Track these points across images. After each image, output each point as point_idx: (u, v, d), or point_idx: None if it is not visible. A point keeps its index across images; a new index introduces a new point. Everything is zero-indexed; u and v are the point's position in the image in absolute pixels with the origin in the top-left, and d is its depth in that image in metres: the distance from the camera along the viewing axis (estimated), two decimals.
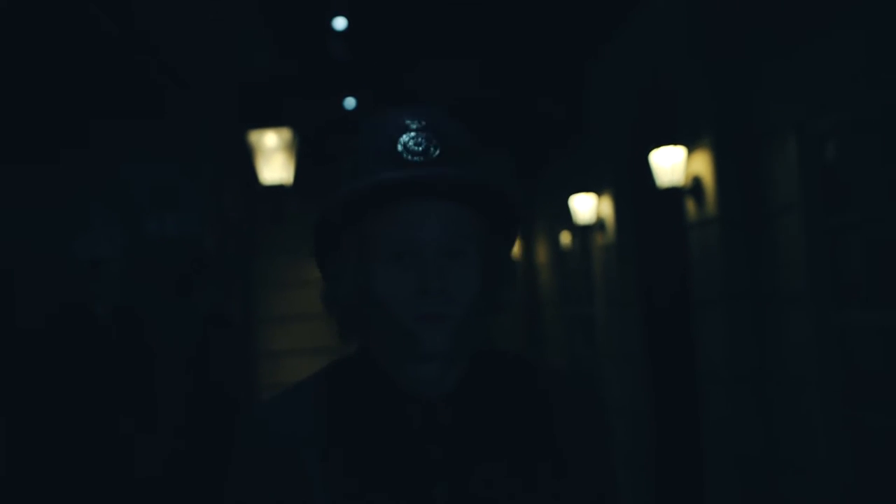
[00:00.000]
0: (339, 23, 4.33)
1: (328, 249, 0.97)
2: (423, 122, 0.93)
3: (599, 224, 5.32)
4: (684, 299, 3.92)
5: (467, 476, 0.91)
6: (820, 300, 2.96)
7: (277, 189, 5.51)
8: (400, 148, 0.91)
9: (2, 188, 4.22)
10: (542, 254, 7.33)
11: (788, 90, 3.08)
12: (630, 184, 4.59)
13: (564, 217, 5.81)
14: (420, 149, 0.91)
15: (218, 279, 5.61)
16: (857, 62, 2.65)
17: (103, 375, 3.92)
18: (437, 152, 0.92)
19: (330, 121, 6.49)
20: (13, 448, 3.60)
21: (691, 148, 3.71)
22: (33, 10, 3.93)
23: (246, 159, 5.50)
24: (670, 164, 3.70)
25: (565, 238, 6.59)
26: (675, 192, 3.76)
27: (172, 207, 5.92)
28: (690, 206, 3.76)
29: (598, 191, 5.31)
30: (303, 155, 5.58)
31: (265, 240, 6.99)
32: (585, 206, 5.41)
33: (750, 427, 3.40)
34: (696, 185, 3.66)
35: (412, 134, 0.93)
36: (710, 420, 3.69)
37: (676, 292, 4.07)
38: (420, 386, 0.94)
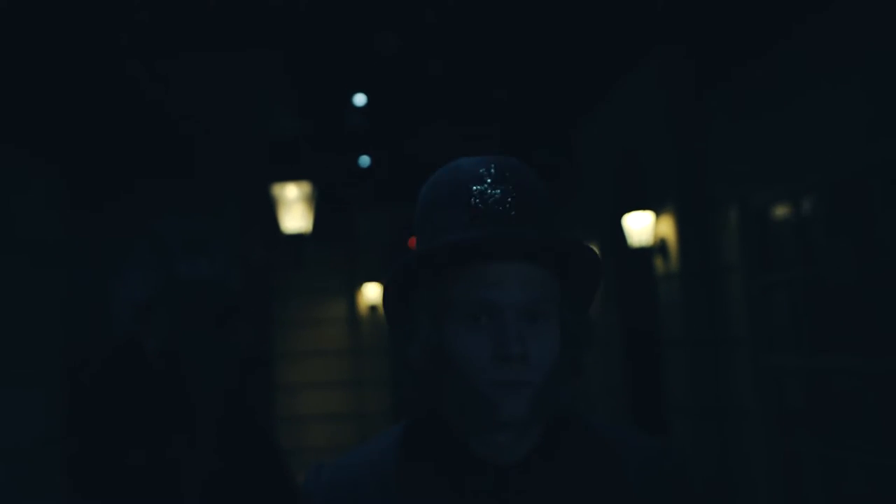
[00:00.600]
0: (360, 99, 4.97)
1: (400, 309, 0.93)
2: (500, 174, 0.89)
3: None
4: (654, 342, 4.49)
5: None
6: (757, 345, 3.52)
7: (297, 237, 6.15)
8: (476, 203, 0.87)
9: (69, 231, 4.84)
10: None
11: (734, 170, 3.68)
12: (611, 240, 5.19)
13: None
14: (499, 207, 0.87)
15: (247, 320, 6.20)
16: (786, 150, 3.25)
17: (155, 406, 4.51)
18: (516, 208, 0.88)
19: (345, 175, 7.14)
20: (80, 470, 4.18)
21: (658, 213, 4.31)
22: (88, 84, 4.59)
23: (269, 209, 6.15)
24: (640, 226, 4.30)
25: None
26: (644, 251, 4.36)
27: (203, 254, 6.56)
28: (658, 262, 4.35)
29: (588, 243, 5.91)
30: (320, 205, 6.22)
31: (283, 282, 7.59)
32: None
33: (708, 452, 3.94)
34: (662, 245, 4.25)
35: (488, 187, 0.88)
36: (674, 442, 4.24)
37: (648, 335, 4.65)
38: (493, 452, 0.90)
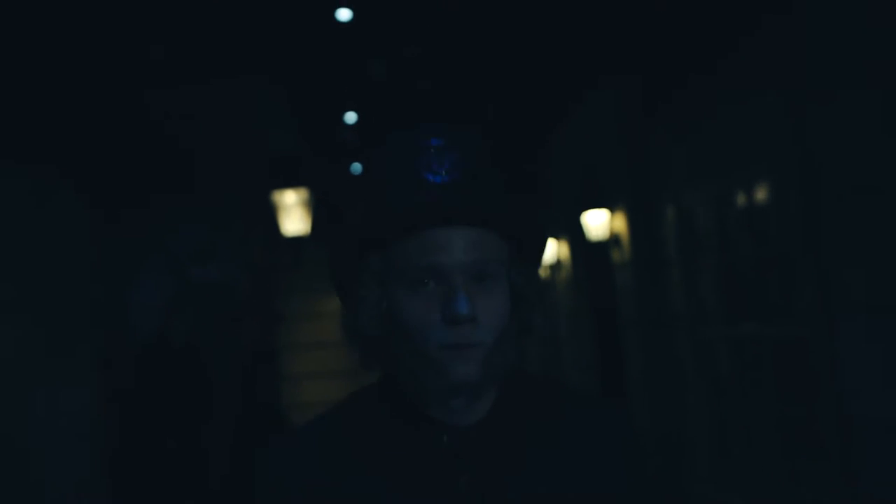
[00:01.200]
0: (350, 117, 5.61)
1: (348, 278, 0.92)
2: (446, 142, 0.88)
3: (558, 263, 6.61)
4: (614, 322, 5.19)
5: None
6: (693, 320, 4.22)
7: (296, 239, 6.80)
8: (422, 169, 0.86)
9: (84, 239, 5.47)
10: None
11: (670, 176, 4.37)
12: (577, 235, 5.88)
13: None
14: (444, 170, 0.86)
15: (256, 317, 6.86)
16: (708, 160, 3.94)
17: (183, 399, 5.18)
18: (462, 174, 0.87)
19: (339, 180, 7.78)
20: (126, 454, 4.85)
21: (613, 211, 5.00)
22: (110, 113, 5.22)
23: (270, 215, 6.79)
24: (598, 223, 4.99)
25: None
26: (602, 244, 5.05)
27: (213, 260, 7.20)
28: (615, 253, 5.04)
29: (558, 237, 6.60)
30: (317, 209, 6.87)
31: (285, 280, 8.24)
32: (549, 249, 6.69)
33: (660, 416, 4.64)
34: (616, 239, 4.94)
35: (434, 154, 0.87)
36: (635, 411, 4.94)
37: (610, 316, 5.35)
38: (449, 415, 0.91)
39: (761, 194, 3.52)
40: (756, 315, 3.64)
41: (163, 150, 6.09)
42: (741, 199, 3.71)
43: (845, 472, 2.80)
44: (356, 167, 7.40)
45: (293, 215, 6.97)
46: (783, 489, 3.44)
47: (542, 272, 7.56)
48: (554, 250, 6.65)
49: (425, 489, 0.88)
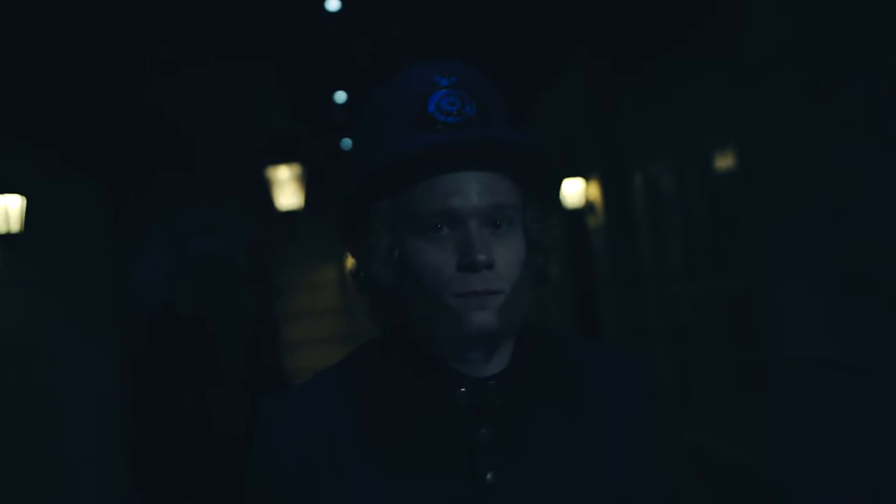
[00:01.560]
0: (340, 97, 5.96)
1: (356, 226, 0.88)
2: (455, 79, 0.85)
3: None
4: (591, 282, 5.61)
5: (518, 460, 0.85)
6: (659, 279, 4.64)
7: (291, 213, 7.15)
8: (431, 108, 0.83)
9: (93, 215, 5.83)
10: None
11: (638, 146, 4.76)
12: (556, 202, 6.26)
13: None
14: (454, 109, 0.83)
15: (255, 288, 7.25)
16: (671, 131, 4.33)
17: (191, 362, 5.59)
18: (474, 112, 0.84)
19: (330, 155, 8.14)
20: (138, 405, 5.26)
21: (587, 180, 5.40)
22: (118, 103, 5.56)
23: (265, 190, 7.14)
24: (574, 191, 5.39)
25: None
26: (578, 210, 5.45)
27: (211, 233, 7.57)
28: (591, 219, 5.44)
29: None
30: (310, 184, 7.22)
31: (281, 253, 8.62)
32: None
33: None
34: (591, 206, 5.34)
35: (444, 92, 0.84)
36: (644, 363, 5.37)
37: (588, 278, 5.77)
38: (465, 367, 0.87)
39: (715, 162, 3.93)
40: (713, 272, 4.06)
41: (164, 133, 6.43)
42: (699, 167, 4.12)
43: (783, 406, 3.22)
44: (346, 142, 7.75)
45: (287, 190, 7.29)
46: (737, 425, 3.89)
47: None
48: None
49: (441, 445, 0.85)
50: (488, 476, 0.84)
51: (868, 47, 2.40)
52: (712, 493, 4.05)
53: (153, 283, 6.59)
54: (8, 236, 3.38)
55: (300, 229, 7.69)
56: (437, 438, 0.85)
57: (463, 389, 0.87)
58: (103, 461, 4.79)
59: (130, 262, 6.31)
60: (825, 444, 2.83)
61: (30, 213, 3.72)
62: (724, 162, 3.83)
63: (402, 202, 0.86)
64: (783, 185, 3.02)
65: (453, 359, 0.88)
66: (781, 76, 2.95)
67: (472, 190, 0.83)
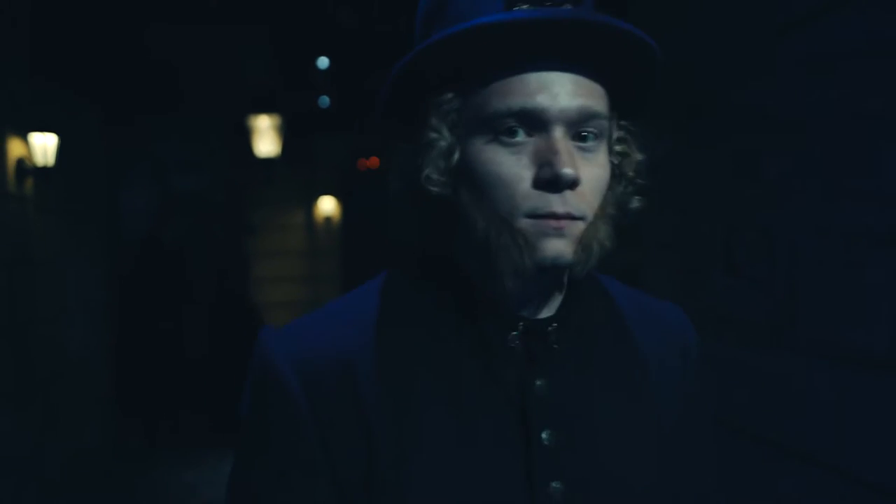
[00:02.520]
0: (323, 62, 6.65)
1: (407, 117, 0.71)
2: None
3: None
4: None
5: (576, 417, 0.72)
6: None
7: (268, 159, 7.89)
8: None
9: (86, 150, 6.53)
10: None
11: None
12: None
13: None
14: None
15: (230, 225, 8.02)
16: None
17: (171, 285, 6.40)
18: None
19: (308, 110, 8.85)
20: (123, 325, 6.07)
21: None
22: (114, 42, 6.23)
23: (246, 136, 7.85)
24: None
25: None
26: None
27: (194, 171, 8.29)
28: None
29: None
30: (287, 134, 7.95)
31: (256, 196, 9.35)
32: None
33: None
34: None
35: None
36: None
37: None
38: (518, 306, 0.72)
39: None
40: (626, 245, 4.94)
41: (157, 77, 7.08)
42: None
43: None
44: (324, 100, 8.45)
45: (266, 138, 8.02)
46: None
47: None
48: None
49: (488, 398, 0.70)
50: (543, 435, 0.70)
51: None
52: None
53: (139, 213, 7.33)
54: (45, 170, 4.09)
55: (275, 175, 8.44)
56: (483, 389, 0.70)
57: (516, 332, 0.72)
58: (91, 362, 5.58)
59: (121, 193, 7.02)
60: None
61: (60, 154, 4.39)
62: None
63: (471, 97, 0.68)
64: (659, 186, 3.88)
65: (508, 294, 0.72)
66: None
67: (563, 88, 0.66)
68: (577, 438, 0.72)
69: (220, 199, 8.29)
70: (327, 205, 10.44)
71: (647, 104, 0.75)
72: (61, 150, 4.32)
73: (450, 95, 0.69)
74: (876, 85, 2.02)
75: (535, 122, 0.67)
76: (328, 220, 10.46)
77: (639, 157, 0.76)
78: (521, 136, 0.67)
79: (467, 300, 0.73)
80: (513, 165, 0.67)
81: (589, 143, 0.69)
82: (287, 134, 8.09)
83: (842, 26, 2.24)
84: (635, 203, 0.77)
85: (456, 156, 0.69)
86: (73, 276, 5.21)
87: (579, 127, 0.68)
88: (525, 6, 0.65)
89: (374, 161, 11.24)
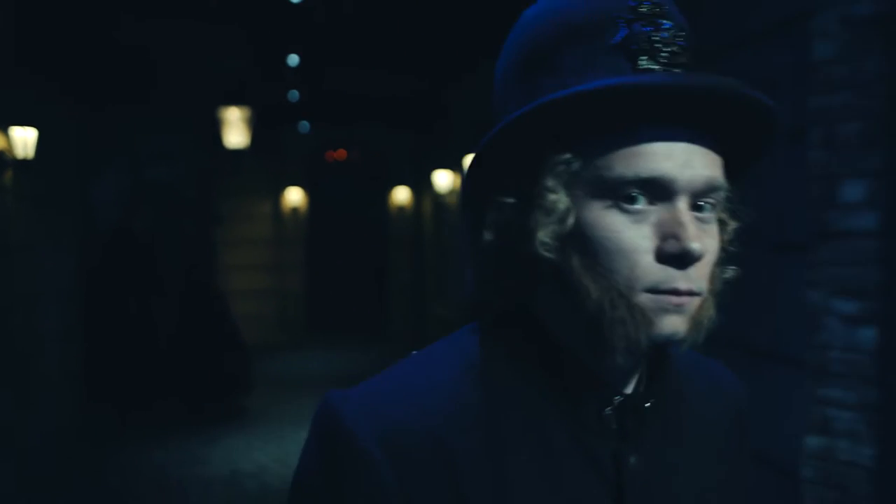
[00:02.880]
0: (293, 60, 6.89)
1: (515, 175, 0.65)
2: (658, 3, 0.62)
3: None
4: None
5: (665, 495, 0.70)
6: None
7: (237, 151, 8.07)
8: (636, 37, 0.61)
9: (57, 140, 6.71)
10: (426, 204, 10.16)
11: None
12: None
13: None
14: (666, 47, 0.61)
15: (199, 215, 8.23)
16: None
17: (141, 274, 6.61)
18: (687, 52, 0.63)
19: (278, 103, 9.07)
20: (91, 308, 6.27)
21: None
22: (90, 34, 6.41)
23: (216, 128, 8.03)
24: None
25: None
26: None
27: (165, 163, 8.47)
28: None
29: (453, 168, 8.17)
30: (257, 126, 8.14)
31: (225, 186, 9.55)
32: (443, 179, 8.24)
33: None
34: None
35: (648, 18, 0.61)
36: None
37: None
38: (615, 380, 0.68)
39: None
40: None
41: (131, 69, 7.25)
42: None
43: None
44: (293, 94, 8.68)
45: (235, 129, 8.19)
46: None
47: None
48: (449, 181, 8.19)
49: (585, 475, 0.66)
50: None
51: None
52: None
53: (111, 203, 7.51)
54: (24, 162, 4.30)
55: (244, 166, 8.65)
56: (578, 467, 0.66)
57: (610, 408, 0.68)
58: (64, 346, 5.79)
59: (94, 184, 7.19)
60: None
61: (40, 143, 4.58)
62: None
63: (592, 158, 0.63)
64: None
65: (611, 368, 0.67)
66: None
67: (693, 157, 0.62)
68: None
69: (190, 189, 8.49)
70: (295, 195, 10.68)
71: (750, 171, 0.71)
72: (39, 142, 4.52)
73: (568, 156, 0.63)
74: (783, 113, 2.37)
75: (661, 191, 0.62)
76: (295, 210, 10.69)
77: (734, 224, 0.70)
78: (641, 204, 0.62)
79: (564, 372, 0.67)
80: (634, 235, 0.62)
81: (705, 214, 0.64)
82: (257, 126, 8.26)
83: (740, 61, 2.59)
84: (729, 273, 0.70)
85: (570, 220, 0.63)
86: (48, 263, 5.41)
87: (700, 198, 0.64)
88: (654, 66, 0.61)
89: (341, 153, 11.49)
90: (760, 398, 2.41)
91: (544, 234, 0.63)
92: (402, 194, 11.04)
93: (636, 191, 0.62)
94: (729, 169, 0.67)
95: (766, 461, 2.46)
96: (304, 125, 8.95)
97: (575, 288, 0.64)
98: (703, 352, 0.76)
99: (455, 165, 8.18)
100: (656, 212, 0.62)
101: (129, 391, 6.49)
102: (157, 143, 8.49)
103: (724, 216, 0.68)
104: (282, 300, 10.46)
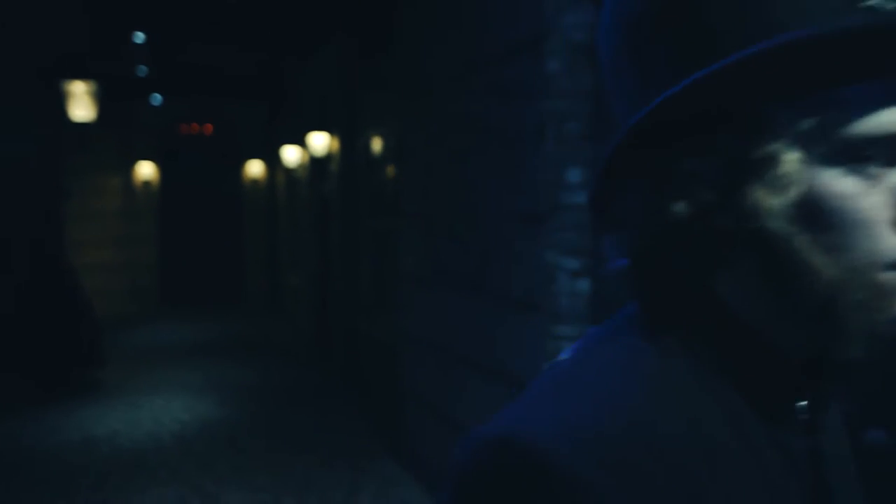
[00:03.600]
0: (139, 37, 7.07)
1: (732, 135, 0.54)
2: None
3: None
4: (326, 215, 7.31)
5: (850, 491, 0.65)
6: (364, 215, 6.40)
7: (83, 124, 8.13)
8: None
9: None
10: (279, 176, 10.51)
11: (367, 112, 6.44)
12: (305, 149, 7.87)
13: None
14: None
15: (45, 189, 8.25)
16: (384, 106, 6.02)
17: None
18: None
19: (125, 76, 9.11)
20: None
21: (333, 134, 7.03)
22: None
23: (61, 101, 8.04)
24: (320, 143, 7.01)
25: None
26: (322, 158, 7.09)
27: (7, 136, 8.38)
28: (331, 165, 7.10)
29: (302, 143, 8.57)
30: (104, 99, 8.21)
31: (73, 160, 9.51)
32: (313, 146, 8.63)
33: (349, 272, 6.85)
34: (330, 155, 7.00)
35: None
36: (336, 271, 7.14)
37: (324, 210, 7.45)
38: (826, 370, 0.61)
39: (393, 142, 5.70)
40: (385, 213, 5.87)
41: None
42: (391, 142, 5.88)
43: (401, 300, 5.07)
44: (142, 69, 8.78)
45: (81, 103, 8.22)
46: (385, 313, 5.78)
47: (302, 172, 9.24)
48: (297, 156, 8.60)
49: (784, 475, 0.59)
50: None
51: None
52: (368, 358, 5.98)
53: None
54: None
55: (92, 139, 8.70)
56: (777, 467, 0.59)
57: (804, 402, 0.60)
58: None
59: None
60: (423, 325, 4.70)
61: None
62: (391, 139, 5.61)
63: (829, 114, 0.53)
64: (409, 168, 4.80)
65: (835, 361, 0.58)
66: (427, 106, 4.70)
67: None
68: None
69: (32, 162, 8.46)
70: (146, 169, 10.74)
71: None
72: None
73: (800, 112, 0.53)
74: (530, 114, 3.03)
75: None
76: (147, 183, 10.75)
77: None
78: (871, 168, 0.54)
79: (762, 366, 0.59)
80: (875, 203, 0.53)
81: None
82: (104, 99, 8.30)
83: (491, 73, 3.24)
84: None
85: (798, 188, 0.54)
86: None
87: None
88: (885, 3, 0.52)
89: (195, 126, 11.58)
90: (518, 337, 3.10)
91: (765, 205, 0.54)
92: (255, 168, 11.31)
93: (873, 150, 0.53)
94: None
95: (512, 378, 3.15)
96: (157, 98, 9.08)
97: (793, 269, 0.55)
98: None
99: (301, 142, 8.62)
100: (891, 175, 0.54)
101: None
102: None
103: None
104: (132, 273, 10.57)
